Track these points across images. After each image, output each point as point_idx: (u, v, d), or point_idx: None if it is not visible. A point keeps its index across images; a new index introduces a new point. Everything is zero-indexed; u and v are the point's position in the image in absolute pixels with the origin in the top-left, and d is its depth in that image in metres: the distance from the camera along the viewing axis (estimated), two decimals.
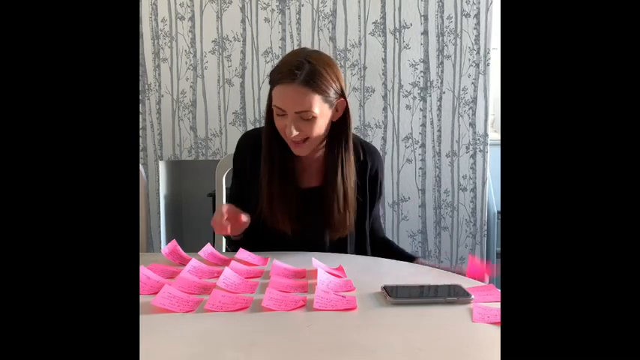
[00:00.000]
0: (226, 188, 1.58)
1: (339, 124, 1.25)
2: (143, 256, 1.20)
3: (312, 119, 1.18)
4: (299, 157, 1.28)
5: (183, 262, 1.11)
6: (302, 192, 1.29)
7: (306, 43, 2.09)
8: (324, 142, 1.27)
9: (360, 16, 2.09)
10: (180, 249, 1.18)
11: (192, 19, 2.10)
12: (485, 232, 2.17)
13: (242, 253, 1.16)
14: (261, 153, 1.28)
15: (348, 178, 1.26)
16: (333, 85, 1.19)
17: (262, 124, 2.11)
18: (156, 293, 0.89)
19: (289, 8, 2.08)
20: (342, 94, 1.22)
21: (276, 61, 2.10)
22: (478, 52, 2.09)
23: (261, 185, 1.26)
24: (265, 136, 1.28)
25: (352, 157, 1.28)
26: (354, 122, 2.12)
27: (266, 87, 2.10)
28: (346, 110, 1.25)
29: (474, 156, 2.14)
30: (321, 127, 1.21)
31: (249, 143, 1.33)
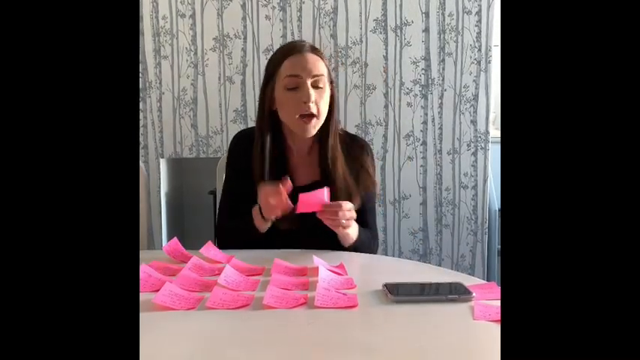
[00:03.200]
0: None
1: (328, 114, 1.27)
2: (144, 254, 1.20)
3: (322, 88, 1.23)
4: (291, 153, 1.29)
5: (185, 260, 1.11)
6: (301, 189, 1.24)
7: (308, 41, 2.08)
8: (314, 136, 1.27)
9: (361, 13, 2.09)
10: (182, 246, 1.18)
11: (192, 16, 2.10)
12: (487, 230, 2.17)
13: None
14: (253, 149, 1.27)
15: (343, 167, 1.27)
16: (327, 64, 1.26)
17: None
18: (157, 291, 0.89)
19: (290, 5, 2.08)
20: (331, 80, 1.27)
21: None
22: (479, 50, 2.09)
23: (255, 182, 1.24)
24: (258, 131, 1.28)
25: (339, 146, 1.29)
26: (355, 120, 2.12)
27: None
28: (332, 98, 1.27)
29: (475, 153, 2.14)
30: (325, 101, 1.24)
31: (242, 143, 1.33)
